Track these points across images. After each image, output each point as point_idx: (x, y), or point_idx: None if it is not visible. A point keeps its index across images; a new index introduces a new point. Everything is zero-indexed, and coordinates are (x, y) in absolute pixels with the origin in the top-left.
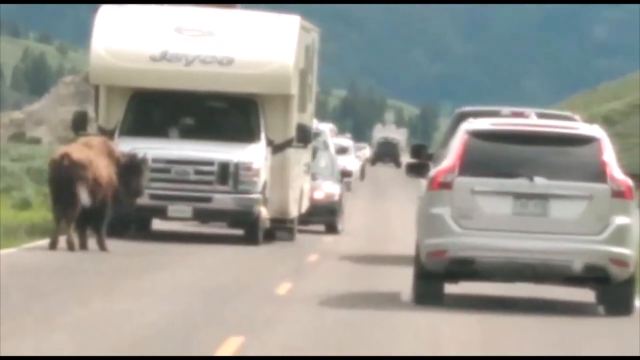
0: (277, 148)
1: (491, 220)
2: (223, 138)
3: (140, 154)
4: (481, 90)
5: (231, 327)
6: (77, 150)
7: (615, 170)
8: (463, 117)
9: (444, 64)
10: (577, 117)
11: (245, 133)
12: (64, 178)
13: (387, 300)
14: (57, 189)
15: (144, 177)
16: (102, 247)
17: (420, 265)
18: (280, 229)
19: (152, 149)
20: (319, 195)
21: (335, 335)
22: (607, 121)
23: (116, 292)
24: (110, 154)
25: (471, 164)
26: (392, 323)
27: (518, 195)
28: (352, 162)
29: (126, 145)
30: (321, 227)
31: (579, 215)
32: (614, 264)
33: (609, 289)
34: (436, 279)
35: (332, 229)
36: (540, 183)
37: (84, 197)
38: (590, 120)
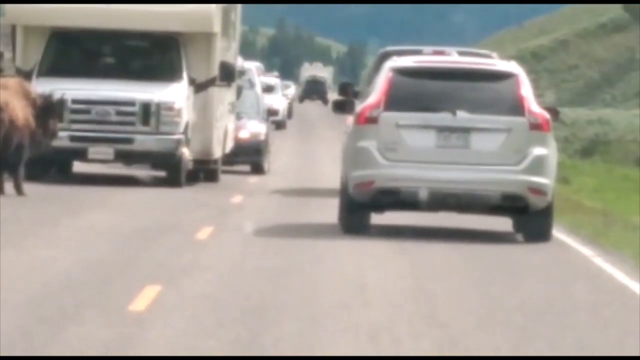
0: (199, 87)
1: (416, 152)
2: (144, 78)
3: (57, 95)
4: (409, 27)
5: (148, 276)
6: None
7: (532, 104)
8: (387, 56)
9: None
10: (494, 54)
11: (167, 72)
12: None
13: (311, 241)
14: None
15: (60, 118)
16: (19, 191)
17: (347, 196)
18: (203, 170)
19: (71, 89)
20: (244, 134)
21: (255, 284)
22: (535, 57)
23: (31, 239)
24: (27, 96)
25: (396, 100)
26: (316, 269)
27: (441, 129)
28: (278, 101)
29: (45, 86)
30: (247, 168)
31: (498, 147)
32: (532, 192)
33: (527, 217)
34: (363, 209)
35: (258, 169)
36: (462, 117)
37: None
38: (518, 55)
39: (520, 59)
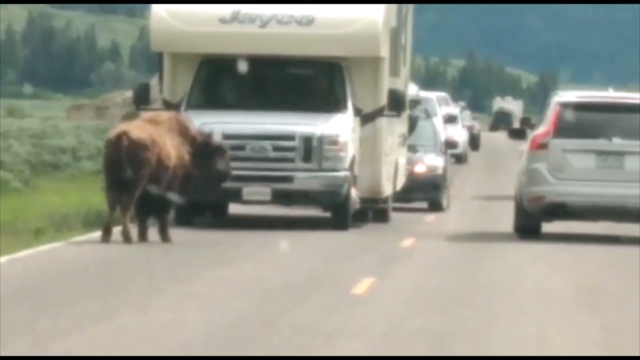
0: (366, 118)
1: (579, 172)
2: (304, 109)
3: (205, 130)
4: (601, 55)
5: (284, 344)
6: (138, 128)
7: None
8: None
9: (562, 29)
10: None
11: (330, 102)
12: (121, 159)
13: (487, 297)
14: (112, 172)
15: (228, 157)
16: (164, 238)
17: (521, 208)
18: (371, 210)
19: (223, 122)
20: (420, 169)
21: (412, 352)
22: None
23: (159, 297)
24: (183, 132)
25: (562, 129)
26: (489, 334)
27: (600, 153)
28: (458, 133)
29: (194, 120)
30: (424, 204)
31: None
32: None
33: None
34: (535, 218)
35: (435, 206)
36: (617, 142)
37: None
38: None
39: None
